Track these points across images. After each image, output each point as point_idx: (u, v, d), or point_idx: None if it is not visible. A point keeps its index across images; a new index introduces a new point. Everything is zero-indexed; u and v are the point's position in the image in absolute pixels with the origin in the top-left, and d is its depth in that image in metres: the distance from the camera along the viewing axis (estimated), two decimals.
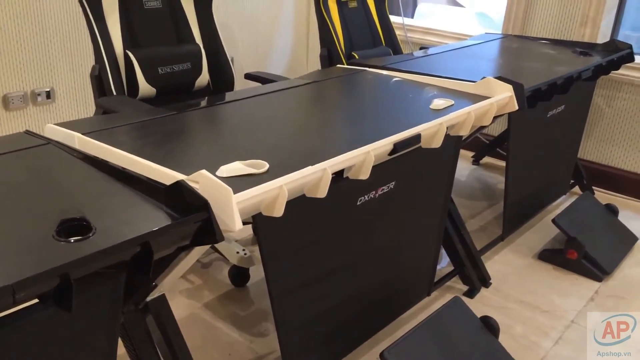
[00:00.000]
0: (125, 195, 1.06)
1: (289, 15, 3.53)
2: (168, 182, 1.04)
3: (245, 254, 1.96)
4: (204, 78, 2.09)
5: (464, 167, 3.15)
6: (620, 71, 2.59)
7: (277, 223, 1.23)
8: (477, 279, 2.04)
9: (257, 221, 1.23)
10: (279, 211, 1.14)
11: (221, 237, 1.00)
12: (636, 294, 2.02)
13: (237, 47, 3.27)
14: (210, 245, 2.07)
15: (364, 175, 1.32)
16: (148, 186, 1.08)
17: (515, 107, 1.75)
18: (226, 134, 1.48)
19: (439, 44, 3.04)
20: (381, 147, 1.34)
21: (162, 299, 1.31)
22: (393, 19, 3.29)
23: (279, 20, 3.48)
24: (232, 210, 1.02)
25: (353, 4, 2.74)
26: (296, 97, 1.77)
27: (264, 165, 1.18)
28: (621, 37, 2.81)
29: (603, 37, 2.74)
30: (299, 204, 1.27)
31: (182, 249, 1.04)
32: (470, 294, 2.00)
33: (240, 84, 2.15)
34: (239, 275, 2.01)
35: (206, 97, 2.06)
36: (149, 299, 1.29)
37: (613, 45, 2.50)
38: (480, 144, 3.17)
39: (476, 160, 3.19)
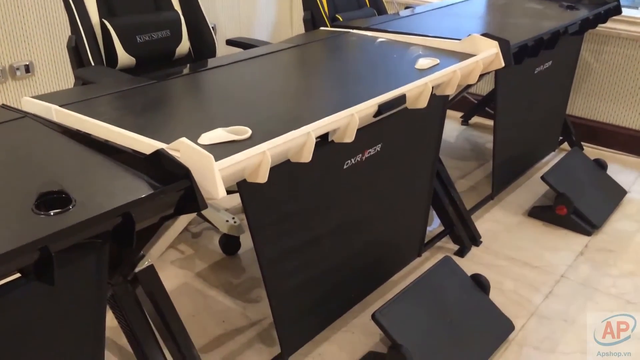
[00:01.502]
0: (105, 166, 1.04)
1: None
2: (148, 152, 1.02)
3: (235, 222, 1.96)
4: (184, 46, 2.04)
5: (453, 127, 3.14)
6: (608, 24, 2.56)
7: (263, 189, 1.22)
8: (468, 238, 2.05)
9: (242, 188, 1.21)
10: (263, 177, 1.12)
11: (204, 205, 0.99)
12: (625, 247, 2.04)
13: (218, 14, 3.20)
14: (197, 214, 2.07)
15: (349, 138, 1.31)
16: (128, 156, 1.06)
17: (501, 64, 1.72)
18: (208, 102, 1.46)
19: (425, 3, 2.99)
20: (365, 109, 1.32)
21: (151, 269, 1.30)
22: None
23: None
24: (214, 177, 1.00)
25: None
26: (279, 62, 1.74)
27: (247, 132, 1.16)
28: None
29: None
30: (284, 169, 1.26)
31: (166, 218, 1.03)
32: (461, 253, 2.02)
33: (222, 51, 2.10)
34: (230, 243, 2.01)
35: (187, 65, 2.02)
36: (137, 269, 1.28)
37: None
38: (469, 104, 3.15)
39: (465, 121, 3.18)
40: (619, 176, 2.48)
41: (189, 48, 2.09)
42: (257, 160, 1.10)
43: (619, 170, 2.59)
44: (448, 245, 2.06)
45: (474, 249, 2.05)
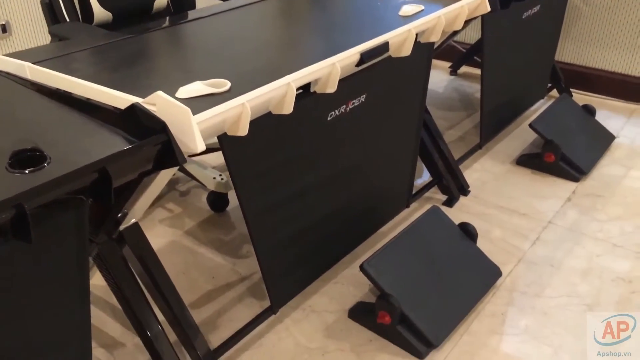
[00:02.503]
0: (80, 123, 1.02)
1: None
2: (124, 107, 1.00)
3: (222, 179, 1.94)
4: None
5: (442, 78, 3.10)
6: None
7: (245, 143, 1.21)
8: (456, 188, 2.05)
9: (223, 142, 1.20)
10: (243, 130, 1.10)
11: (182, 159, 0.97)
12: (613, 192, 2.05)
13: None
14: (184, 172, 2.05)
15: (331, 88, 1.28)
16: (104, 112, 1.03)
17: (487, 8, 1.68)
18: (186, 55, 1.42)
19: None
20: (347, 57, 1.29)
21: (136, 227, 1.29)
22: None
23: None
24: (192, 131, 0.98)
25: None
26: (259, 13, 1.69)
27: (226, 84, 1.14)
28: None
29: None
30: (266, 122, 1.24)
31: (145, 174, 1.02)
32: (450, 203, 2.02)
33: (202, 3, 2.04)
34: (218, 200, 2.00)
35: (166, 18, 1.96)
36: (122, 227, 1.27)
37: None
38: (458, 53, 3.10)
39: (454, 71, 3.13)
40: (608, 121, 2.47)
41: (168, 1, 2.03)
42: (237, 112, 1.08)
43: (608, 115, 2.58)
44: (437, 196, 2.06)
45: (462, 198, 2.05)
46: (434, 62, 3.24)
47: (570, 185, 2.09)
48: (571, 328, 1.49)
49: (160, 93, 1.00)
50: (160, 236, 1.90)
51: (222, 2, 1.89)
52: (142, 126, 0.97)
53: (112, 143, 0.94)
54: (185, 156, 1.00)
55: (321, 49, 1.38)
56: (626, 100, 2.71)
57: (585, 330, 1.48)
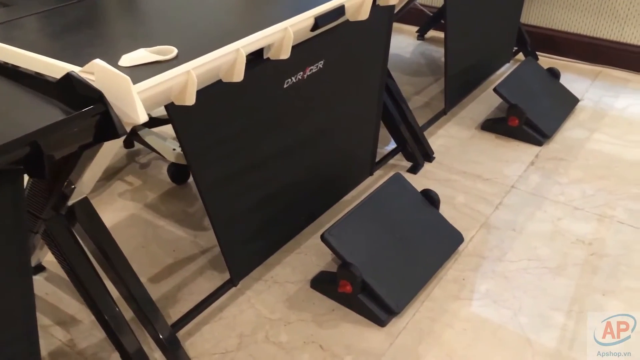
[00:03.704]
0: (13, 94, 0.96)
1: None
2: (60, 76, 0.94)
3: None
4: None
5: (409, 42, 3.06)
6: None
7: (195, 112, 1.16)
8: (420, 155, 2.03)
9: (171, 112, 1.15)
10: (190, 99, 1.06)
11: (123, 131, 0.93)
12: (575, 154, 2.06)
13: None
14: (143, 144, 2.00)
15: (285, 54, 1.24)
16: (39, 82, 0.98)
17: None
18: (135, 21, 1.35)
19: None
20: (300, 22, 1.25)
21: (85, 202, 1.25)
22: None
23: None
24: (133, 100, 0.93)
25: None
26: None
27: (172, 51, 1.08)
28: None
29: None
30: (217, 90, 1.19)
31: (85, 146, 0.97)
32: (414, 169, 2.01)
33: None
34: (179, 172, 1.96)
35: None
36: (70, 203, 1.23)
37: None
38: (425, 18, 3.06)
39: (421, 35, 3.09)
40: (573, 84, 2.47)
41: None
42: (182, 81, 1.04)
43: (573, 78, 2.58)
44: (402, 163, 2.05)
45: (427, 165, 2.04)
46: (401, 26, 3.21)
47: (534, 149, 2.09)
48: (530, 291, 1.50)
49: (97, 61, 0.95)
50: (119, 210, 1.86)
51: None
52: (78, 97, 0.92)
53: (45, 115, 0.89)
54: (128, 127, 0.96)
55: (275, 13, 1.33)
56: (592, 63, 2.71)
57: (543, 291, 1.50)
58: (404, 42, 3.06)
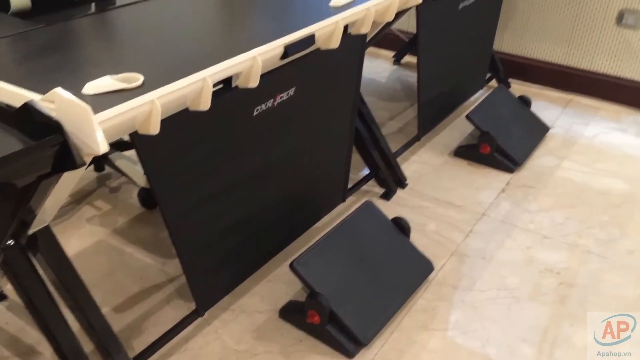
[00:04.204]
0: None
1: None
2: (20, 105, 0.92)
3: None
4: None
5: (385, 67, 3.08)
6: None
7: (160, 140, 1.14)
8: (393, 181, 2.04)
9: (135, 140, 1.13)
10: (154, 128, 1.04)
11: (82, 162, 0.91)
12: (545, 182, 2.08)
13: None
14: (113, 168, 1.97)
15: (253, 83, 1.23)
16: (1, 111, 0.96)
17: (418, 0, 1.66)
18: (100, 47, 1.34)
19: None
20: (270, 50, 1.24)
21: (46, 231, 1.22)
22: None
23: None
24: (93, 130, 0.92)
25: None
26: (185, 1, 1.62)
27: (138, 79, 1.07)
28: None
29: None
30: (183, 118, 1.18)
31: (44, 176, 0.95)
32: (387, 196, 2.01)
33: None
34: (149, 197, 1.93)
35: (90, 5, 1.86)
36: (31, 231, 1.19)
37: None
38: (401, 43, 3.09)
39: (397, 60, 3.12)
40: (544, 112, 2.51)
41: None
42: (146, 110, 1.02)
43: (544, 106, 2.62)
44: (375, 189, 2.05)
45: (399, 191, 2.04)
46: (378, 51, 3.24)
47: (505, 177, 2.11)
48: (499, 321, 1.50)
49: (58, 90, 0.93)
50: (87, 235, 1.82)
51: None
52: (37, 126, 0.90)
53: (2, 145, 0.87)
54: (88, 158, 0.94)
55: (244, 41, 1.32)
56: (563, 91, 2.75)
57: (511, 321, 1.50)
58: (380, 67, 3.09)
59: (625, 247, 1.75)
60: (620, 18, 2.52)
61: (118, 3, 1.62)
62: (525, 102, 2.42)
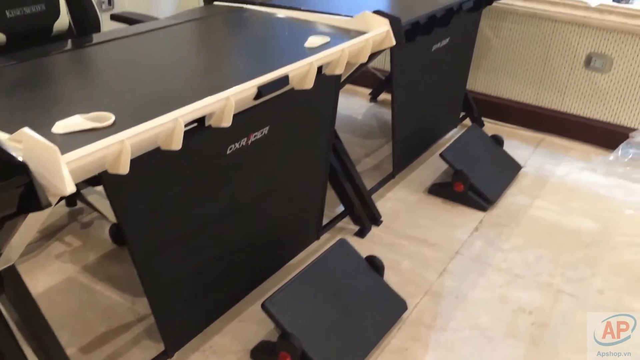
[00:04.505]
0: None
1: None
2: None
3: None
4: (63, 21, 1.88)
5: (361, 104, 3.12)
6: (505, 0, 2.60)
7: (131, 179, 1.13)
8: (367, 219, 2.04)
9: (105, 180, 1.12)
10: (124, 168, 1.04)
11: (47, 203, 0.90)
12: (518, 221, 2.10)
13: None
14: (85, 204, 1.94)
15: (226, 122, 1.24)
16: None
17: (392, 42, 1.69)
18: (74, 84, 1.34)
19: None
20: (243, 91, 1.25)
21: (12, 270, 1.19)
22: None
23: None
24: (60, 171, 0.91)
25: None
26: (161, 40, 1.63)
27: (109, 118, 1.07)
28: None
29: None
30: (155, 157, 1.17)
31: (8, 217, 0.93)
32: (361, 233, 2.01)
33: (109, 25, 1.96)
34: (121, 233, 1.90)
35: (66, 41, 1.86)
36: None
37: None
38: (377, 80, 3.15)
39: (373, 97, 3.17)
40: (516, 151, 2.56)
41: (70, 23, 1.93)
42: (116, 150, 1.02)
43: (516, 145, 2.67)
44: (350, 226, 2.05)
45: (374, 228, 2.05)
46: (355, 88, 3.29)
47: (478, 215, 2.13)
48: None
49: (26, 130, 0.92)
50: (55, 272, 1.78)
51: (127, 26, 1.82)
52: (2, 166, 0.89)
53: None
54: (54, 198, 0.93)
55: (219, 81, 1.34)
56: (535, 130, 2.81)
57: None
58: (357, 103, 3.13)
59: (595, 286, 1.77)
60: (588, 61, 2.60)
61: (95, 40, 1.62)
62: (498, 141, 2.47)
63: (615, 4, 2.48)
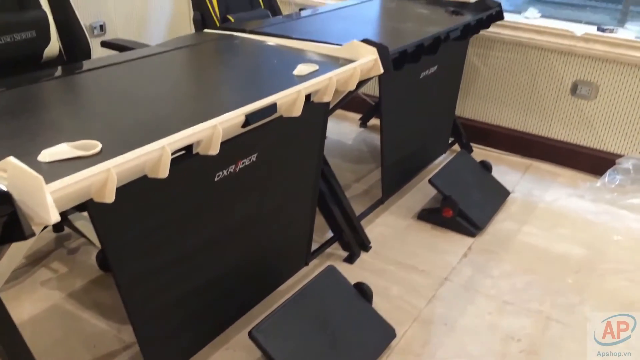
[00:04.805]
0: None
1: None
2: None
3: None
4: (53, 47, 1.89)
5: (352, 130, 3.14)
6: (492, 29, 2.65)
7: (117, 207, 1.13)
8: (357, 244, 2.04)
9: (90, 208, 1.12)
10: (110, 197, 1.03)
11: (31, 233, 0.89)
12: (506, 247, 2.11)
13: (110, 11, 3.03)
14: (72, 229, 1.92)
15: (214, 150, 1.24)
16: None
17: (380, 70, 1.71)
18: (62, 112, 1.34)
19: (321, 4, 2.97)
20: (231, 119, 1.26)
21: None
22: None
23: None
24: (44, 200, 0.90)
25: None
26: (152, 67, 1.65)
27: (96, 146, 1.07)
28: None
29: None
30: (141, 184, 1.17)
31: None
32: (350, 259, 2.00)
33: (99, 52, 1.98)
34: (107, 259, 1.89)
35: (55, 68, 1.87)
36: None
37: (483, 4, 2.54)
38: (367, 106, 3.17)
39: (363, 123, 3.19)
40: (505, 176, 2.58)
41: (60, 50, 1.94)
42: (102, 178, 1.02)
43: (505, 170, 2.69)
44: (339, 252, 2.05)
45: (363, 254, 2.04)
46: (345, 113, 3.31)
47: (467, 241, 2.14)
48: None
49: (10, 159, 0.92)
50: (41, 299, 1.76)
51: (118, 53, 1.84)
52: None
53: None
54: (38, 228, 0.93)
55: (207, 108, 1.34)
56: (522, 156, 2.84)
57: None
58: (347, 129, 3.15)
59: (584, 313, 1.77)
60: (574, 89, 2.64)
61: (85, 67, 1.63)
62: (486, 167, 2.48)
63: (600, 33, 2.53)
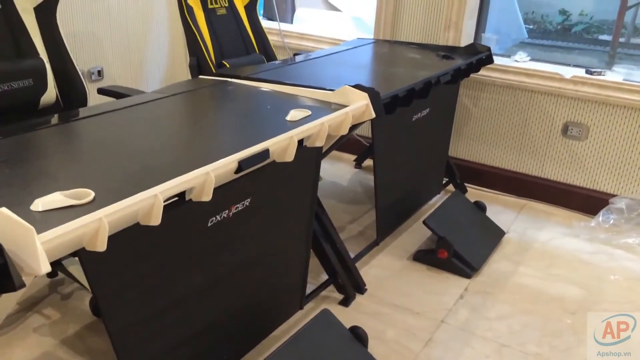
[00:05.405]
0: None
1: (162, 23, 3.39)
2: None
3: None
4: (50, 95, 1.92)
5: (346, 170, 3.17)
6: (482, 72, 2.70)
7: (107, 255, 1.13)
8: (352, 287, 2.03)
9: (81, 256, 1.12)
10: (101, 246, 1.04)
11: (21, 284, 0.90)
12: (501, 288, 2.10)
13: (107, 57, 3.09)
14: (66, 274, 1.92)
15: (206, 197, 1.25)
16: None
17: (372, 115, 1.74)
18: (56, 160, 1.36)
19: (315, 49, 3.04)
20: (223, 166, 1.28)
21: None
22: (270, 24, 3.25)
23: (152, 27, 3.33)
24: (35, 251, 0.91)
25: (222, 12, 2.66)
26: (147, 114, 1.67)
27: (88, 195, 1.08)
28: (484, 39, 2.93)
29: (467, 39, 2.84)
30: (134, 232, 1.17)
31: None
32: (346, 302, 1.99)
33: (96, 99, 2.01)
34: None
35: (52, 116, 1.90)
36: None
37: (473, 48, 2.60)
38: (362, 147, 3.20)
39: (358, 164, 3.22)
40: (499, 216, 2.58)
41: (57, 97, 1.97)
42: (94, 227, 1.02)
43: (499, 210, 2.70)
44: (334, 295, 2.03)
45: (358, 297, 2.03)
46: (340, 154, 3.34)
47: (462, 282, 2.13)
48: None
49: (3, 209, 0.93)
50: (33, 346, 1.74)
51: (114, 100, 1.87)
52: None
53: None
54: (29, 278, 0.93)
55: (199, 155, 1.36)
56: (516, 196, 2.86)
57: None
58: (342, 169, 3.17)
59: (581, 355, 1.75)
60: (565, 130, 2.68)
61: (82, 114, 1.66)
62: (480, 207, 2.49)
63: (589, 75, 2.58)
